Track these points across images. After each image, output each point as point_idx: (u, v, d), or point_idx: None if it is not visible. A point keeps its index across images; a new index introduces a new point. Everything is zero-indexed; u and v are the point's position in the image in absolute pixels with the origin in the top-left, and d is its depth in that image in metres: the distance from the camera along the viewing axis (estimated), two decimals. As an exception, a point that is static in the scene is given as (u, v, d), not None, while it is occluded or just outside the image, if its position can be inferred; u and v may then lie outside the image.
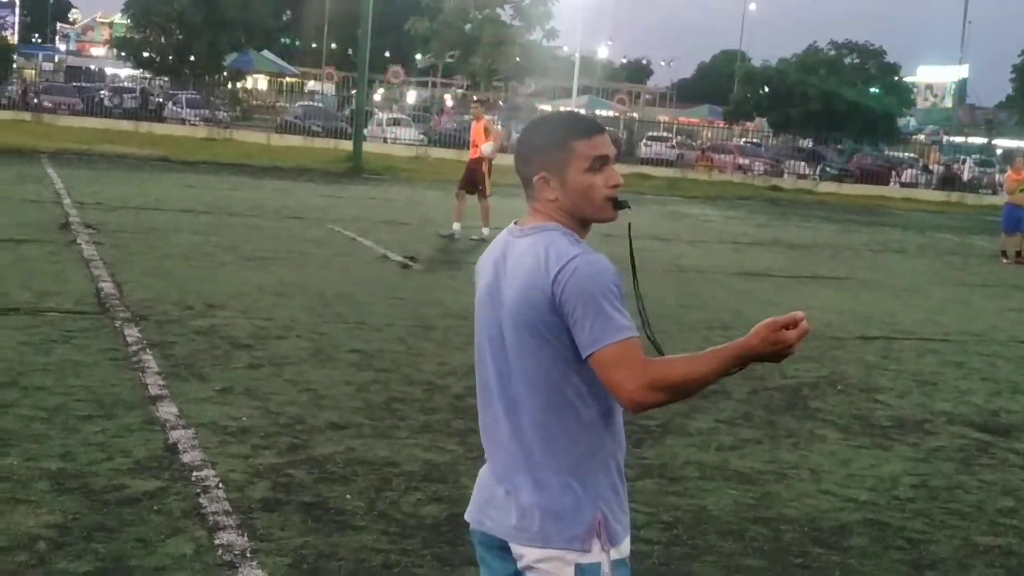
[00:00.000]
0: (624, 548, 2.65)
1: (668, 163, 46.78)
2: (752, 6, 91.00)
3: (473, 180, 17.06)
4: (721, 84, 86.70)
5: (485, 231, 16.62)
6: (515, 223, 2.75)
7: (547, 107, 64.44)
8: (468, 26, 61.60)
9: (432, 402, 7.41)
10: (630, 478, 6.02)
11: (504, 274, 2.65)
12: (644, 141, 51.01)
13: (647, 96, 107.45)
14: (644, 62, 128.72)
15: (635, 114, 73.49)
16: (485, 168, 16.94)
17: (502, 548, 2.67)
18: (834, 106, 53.96)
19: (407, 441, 6.49)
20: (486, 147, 16.89)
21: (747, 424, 7.56)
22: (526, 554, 2.59)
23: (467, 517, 2.77)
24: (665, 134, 55.21)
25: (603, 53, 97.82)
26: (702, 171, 45.29)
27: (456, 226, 16.89)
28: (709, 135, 57.49)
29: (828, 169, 47.71)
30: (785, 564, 5.18)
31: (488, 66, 63.18)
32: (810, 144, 53.70)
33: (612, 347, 2.48)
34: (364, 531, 5.08)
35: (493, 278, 2.68)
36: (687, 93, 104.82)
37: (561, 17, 61.26)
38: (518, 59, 62.47)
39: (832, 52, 59.13)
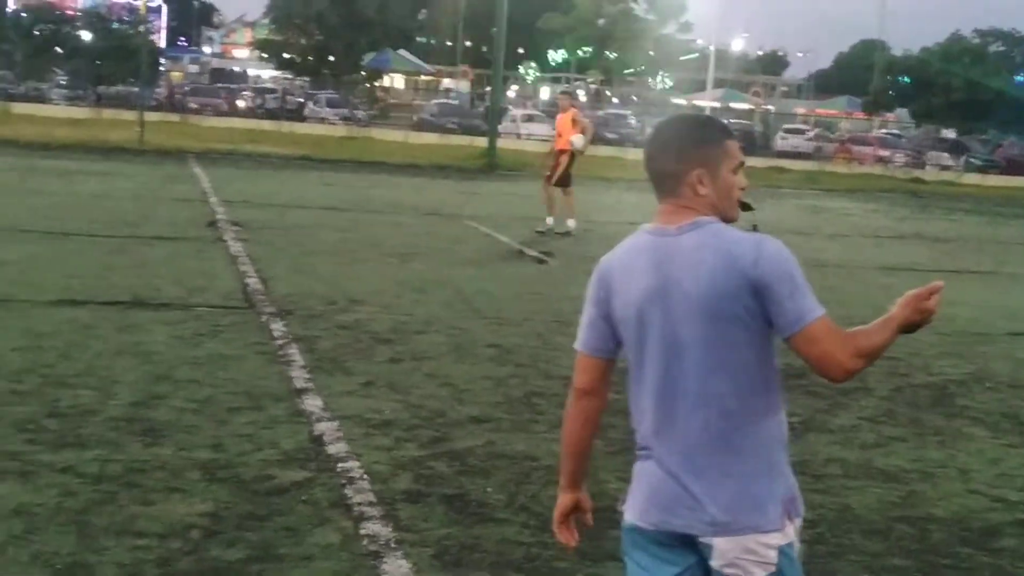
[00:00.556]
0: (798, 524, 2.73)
1: (805, 156, 46.04)
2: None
3: (562, 172, 16.76)
4: (860, 75, 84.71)
5: (571, 223, 16.43)
6: (655, 224, 2.77)
7: (681, 101, 63.95)
8: (602, 21, 61.52)
9: (570, 397, 7.42)
10: (771, 475, 5.97)
11: (675, 274, 2.67)
12: (780, 134, 50.26)
13: (783, 88, 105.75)
14: (780, 53, 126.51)
15: (771, 107, 72.30)
16: (566, 159, 16.64)
17: (684, 545, 2.68)
18: (978, 95, 52.36)
19: (546, 436, 6.52)
20: (576, 139, 16.60)
21: (891, 421, 7.40)
22: (726, 547, 2.61)
23: (640, 519, 2.73)
24: (802, 126, 54.31)
25: (738, 45, 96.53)
26: (841, 164, 44.46)
27: (571, 222, 16.62)
28: (848, 127, 56.31)
29: (972, 160, 46.32)
30: (933, 565, 5.06)
31: (621, 60, 62.96)
32: (953, 135, 52.21)
33: (819, 321, 2.61)
34: (505, 524, 5.13)
35: (658, 281, 2.69)
36: (824, 84, 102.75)
37: (696, 10, 60.74)
38: (652, 53, 62.10)
39: (976, 40, 57.36)
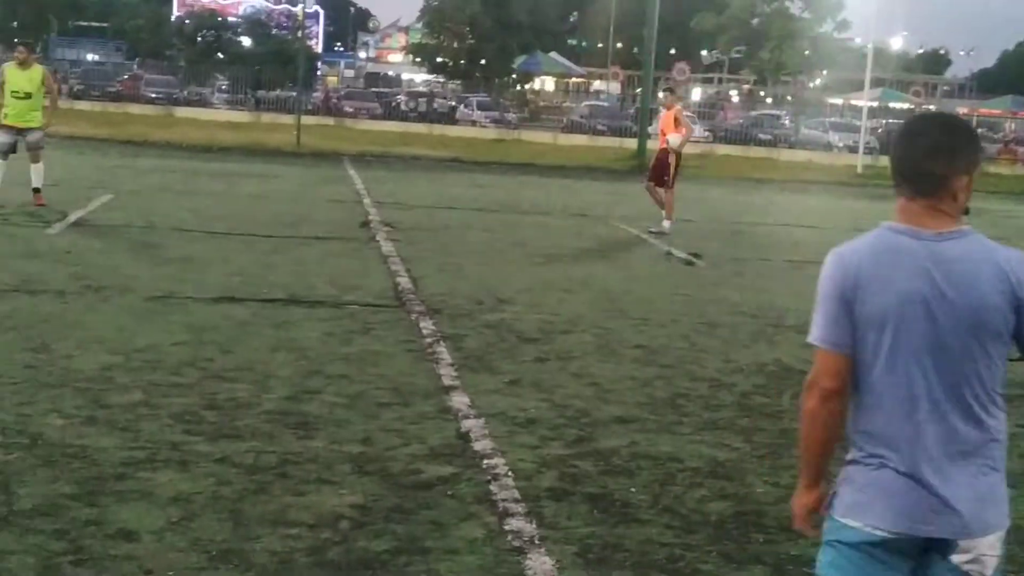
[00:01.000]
0: None
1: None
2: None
3: (661, 171, 16.47)
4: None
5: (667, 224, 16.13)
6: (905, 224, 2.74)
7: (837, 101, 62.64)
8: (756, 20, 60.64)
9: (717, 399, 7.37)
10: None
11: (940, 281, 2.68)
12: (941, 134, 48.71)
13: (945, 87, 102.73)
14: (942, 52, 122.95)
15: (932, 106, 70.32)
16: (672, 159, 16.35)
17: (914, 551, 2.73)
18: None
19: (691, 437, 6.48)
20: (673, 138, 16.27)
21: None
22: (973, 545, 2.70)
23: (890, 526, 2.71)
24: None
25: (897, 44, 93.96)
26: (1004, 164, 42.92)
27: (666, 223, 16.25)
28: (1012, 127, 54.37)
29: None
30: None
31: (776, 60, 62.03)
32: None
33: None
34: (649, 524, 5.12)
35: (921, 285, 2.68)
36: (988, 83, 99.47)
37: (853, 8, 59.31)
38: (807, 52, 60.98)
39: None
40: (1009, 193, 31.96)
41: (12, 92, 14.40)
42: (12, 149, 14.58)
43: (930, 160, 2.71)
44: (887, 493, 2.71)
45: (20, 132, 14.49)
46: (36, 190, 14.55)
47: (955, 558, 2.68)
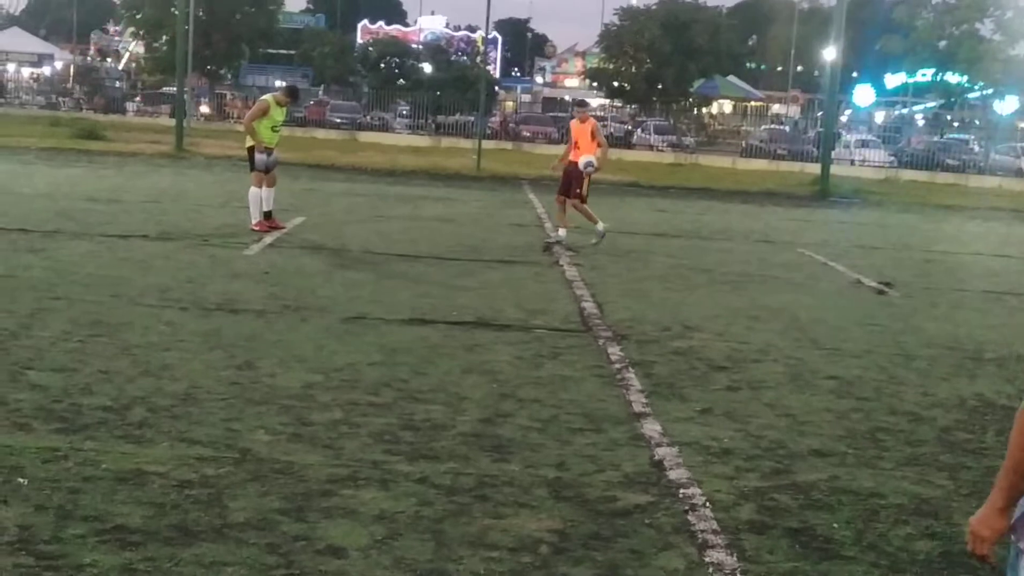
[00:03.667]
0: None
1: None
2: None
3: (572, 183, 15.73)
4: None
5: (562, 232, 15.65)
6: None
7: (1030, 125, 60.24)
8: (943, 43, 58.81)
9: (917, 434, 7.13)
10: None
11: None
12: None
13: None
14: None
15: None
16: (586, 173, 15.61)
17: None
18: None
19: (893, 473, 6.29)
20: (586, 160, 15.54)
21: None
22: None
23: None
24: None
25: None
26: None
27: (562, 231, 15.74)
28: None
29: None
30: None
31: (964, 83, 60.07)
32: None
33: None
34: (853, 561, 4.98)
35: None
36: None
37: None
38: (998, 75, 58.85)
39: None
40: None
41: (274, 127, 15.21)
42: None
43: None
44: None
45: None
46: (269, 214, 15.18)
47: None
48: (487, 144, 38.48)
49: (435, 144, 44.77)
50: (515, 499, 5.47)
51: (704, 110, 73.42)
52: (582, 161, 15.58)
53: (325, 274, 12.03)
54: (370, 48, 72.50)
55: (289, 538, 4.80)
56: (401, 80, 66.27)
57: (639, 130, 54.67)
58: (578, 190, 15.71)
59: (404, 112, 57.19)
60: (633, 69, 65.61)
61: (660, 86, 64.97)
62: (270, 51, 77.88)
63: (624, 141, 50.61)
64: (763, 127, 54.93)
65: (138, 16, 63.11)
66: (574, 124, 16.09)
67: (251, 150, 15.07)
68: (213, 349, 8.18)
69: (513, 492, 5.57)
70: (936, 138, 52.14)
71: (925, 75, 63.00)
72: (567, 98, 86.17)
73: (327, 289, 11.06)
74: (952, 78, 60.37)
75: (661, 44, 62.04)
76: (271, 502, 5.20)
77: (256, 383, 7.31)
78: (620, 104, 71.26)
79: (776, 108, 78.98)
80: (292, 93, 15.82)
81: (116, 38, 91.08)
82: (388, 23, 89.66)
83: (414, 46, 74.64)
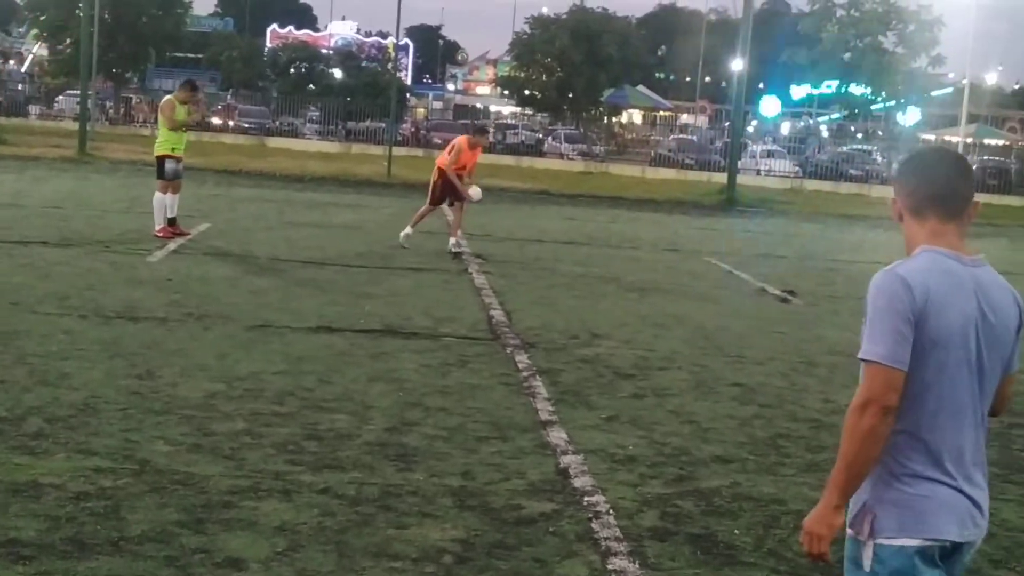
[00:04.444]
0: None
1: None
2: None
3: (451, 192, 15.63)
4: None
5: (454, 240, 15.51)
6: (948, 248, 2.92)
7: (930, 137, 61.74)
8: (847, 55, 59.97)
9: (818, 440, 7.24)
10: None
11: (984, 306, 2.89)
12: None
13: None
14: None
15: (1028, 143, 68.86)
16: (445, 180, 15.46)
17: (953, 553, 2.91)
18: None
19: (794, 479, 6.38)
20: (476, 194, 15.66)
21: None
22: (978, 543, 2.98)
23: (945, 535, 2.86)
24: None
25: (992, 79, 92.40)
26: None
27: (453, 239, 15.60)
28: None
29: None
30: None
31: (867, 95, 61.34)
32: None
33: None
34: (754, 568, 5.04)
35: (976, 309, 2.88)
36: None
37: (948, 43, 58.51)
38: (900, 87, 60.18)
39: None
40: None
41: (181, 124, 15.06)
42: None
43: (960, 182, 2.97)
44: (943, 506, 2.85)
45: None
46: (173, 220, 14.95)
47: (966, 556, 2.93)
48: (398, 151, 38.34)
49: (345, 150, 44.51)
50: (419, 509, 5.45)
51: (614, 119, 73.95)
52: (474, 194, 15.61)
53: (230, 281, 11.88)
54: (279, 53, 71.81)
55: (188, 551, 4.72)
56: (311, 85, 65.73)
57: (550, 138, 54.88)
58: (457, 199, 15.75)
59: (314, 118, 56.73)
60: (544, 77, 65.83)
61: (571, 95, 65.29)
62: (177, 54, 76.82)
63: (535, 149, 50.79)
64: (672, 137, 55.44)
65: (42, 18, 61.73)
66: (467, 147, 15.79)
67: (161, 158, 14.84)
68: (113, 358, 8.02)
69: (417, 502, 5.54)
70: (843, 149, 53.12)
71: (830, 87, 64.06)
72: (479, 105, 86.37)
73: (232, 297, 10.92)
74: (856, 90, 61.47)
75: (572, 53, 62.37)
76: (170, 514, 5.11)
77: (156, 393, 7.18)
78: (531, 112, 71.50)
79: (684, 118, 79.81)
80: (190, 86, 15.52)
81: (19, 40, 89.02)
82: (298, 28, 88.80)
83: (324, 51, 74.11)
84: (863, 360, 2.86)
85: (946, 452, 2.86)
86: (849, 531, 2.93)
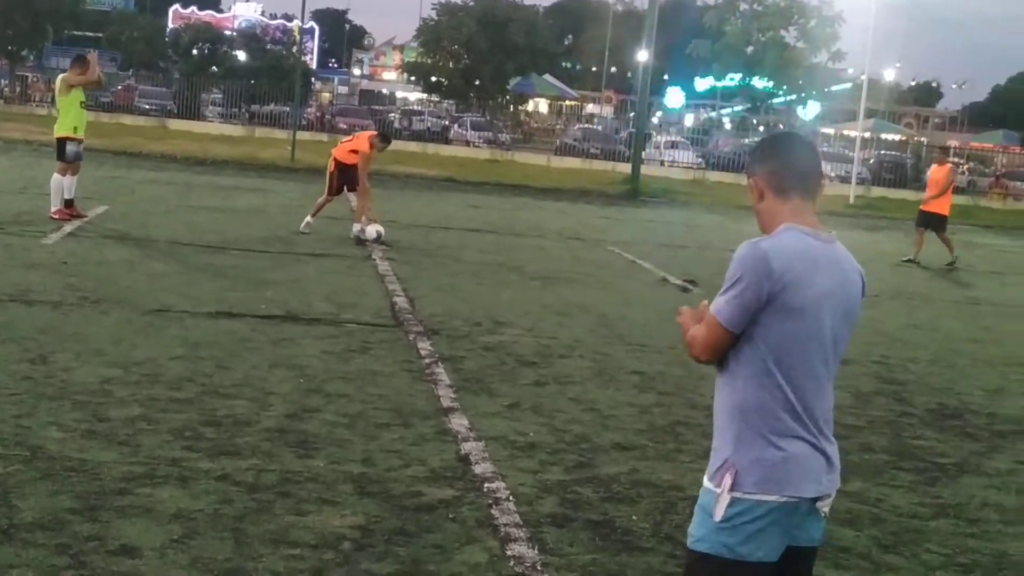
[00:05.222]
0: None
1: (959, 190, 44.76)
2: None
3: (350, 181, 15.60)
4: (1018, 108, 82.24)
5: (358, 227, 15.31)
6: (806, 226, 3.11)
7: (830, 131, 62.88)
8: (750, 48, 60.78)
9: (716, 427, 7.34)
10: (923, 517, 5.82)
11: (838, 280, 3.11)
12: (954, 168, 48.87)
13: (936, 120, 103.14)
14: (934, 84, 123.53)
15: (923, 138, 70.61)
16: (335, 169, 15.54)
17: (811, 506, 3.08)
18: None
19: (691, 466, 6.46)
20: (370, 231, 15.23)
21: (1051, 467, 7.14)
22: (833, 494, 3.15)
23: (803, 492, 3.03)
24: (955, 159, 52.88)
25: (890, 75, 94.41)
26: (995, 199, 43.14)
27: (364, 227, 15.34)
28: (1003, 161, 54.60)
29: None
30: (1097, 619, 4.86)
31: (769, 89, 62.25)
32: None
33: None
34: (651, 553, 5.11)
35: (831, 284, 3.08)
36: (980, 117, 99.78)
37: (848, 39, 59.60)
38: (801, 81, 61.17)
39: None
40: (1001, 227, 32.16)
41: (81, 102, 14.75)
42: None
43: (817, 163, 3.24)
44: (801, 465, 3.03)
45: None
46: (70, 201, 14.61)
47: (822, 504, 3.10)
48: (303, 135, 37.95)
49: (249, 134, 43.91)
50: (319, 495, 5.42)
51: (520, 107, 74.03)
52: (370, 233, 15.27)
53: (128, 265, 11.66)
54: (181, 33, 70.52)
55: (81, 538, 4.64)
56: (214, 67, 64.69)
57: (456, 125, 54.80)
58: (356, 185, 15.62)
59: (217, 100, 55.87)
60: (451, 64, 65.70)
61: (477, 82, 65.24)
62: (76, 33, 75.05)
63: (441, 136, 50.68)
64: (577, 126, 55.71)
65: (-68, -8, 59.92)
66: (370, 151, 15.61)
67: (62, 139, 14.51)
68: (4, 342, 7.82)
69: (317, 488, 5.51)
70: (745, 142, 53.84)
71: (733, 79, 64.79)
72: (385, 91, 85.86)
73: (129, 280, 10.72)
74: (758, 83, 62.29)
75: (479, 40, 62.32)
76: (62, 501, 5.01)
77: (50, 378, 7.03)
78: (437, 99, 71.24)
79: (590, 108, 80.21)
80: (79, 61, 15.11)
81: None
82: (201, 8, 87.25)
83: (228, 33, 72.97)
84: (711, 311, 3.10)
85: (803, 413, 3.04)
86: (708, 483, 3.09)
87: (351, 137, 16.38)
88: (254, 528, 4.93)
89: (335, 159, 15.67)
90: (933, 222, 19.11)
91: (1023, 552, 5.55)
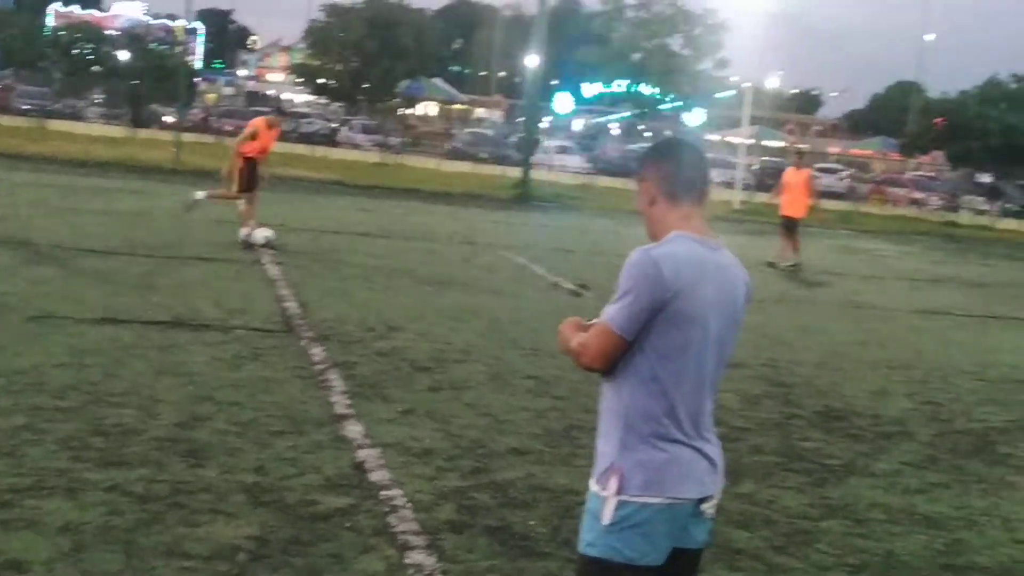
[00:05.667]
0: None
1: (838, 196, 45.92)
2: (929, 36, 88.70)
3: (251, 180, 15.24)
4: (895, 116, 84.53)
5: (244, 231, 15.00)
6: (696, 233, 3.14)
7: (715, 137, 63.97)
8: (637, 55, 61.56)
9: (610, 431, 7.39)
10: (813, 517, 5.93)
11: (725, 286, 3.14)
12: (813, 173, 50.00)
13: (817, 127, 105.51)
14: (815, 92, 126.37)
15: (805, 145, 72.19)
16: (244, 166, 15.11)
17: (696, 508, 3.10)
18: (1016, 140, 51.88)
19: (587, 470, 6.43)
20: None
21: (933, 467, 7.35)
22: (716, 496, 3.17)
23: (687, 493, 3.07)
24: (835, 166, 54.20)
25: (773, 83, 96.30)
26: (874, 204, 44.33)
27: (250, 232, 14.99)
28: (882, 168, 56.11)
29: (1008, 205, 46.02)
30: (981, 615, 5.01)
31: (656, 95, 63.12)
32: (990, 179, 51.93)
33: None
34: (549, 557, 5.12)
35: (719, 290, 3.12)
36: (859, 124, 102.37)
37: (732, 47, 60.76)
38: (686, 88, 62.16)
39: (1014, 85, 56.94)
40: (880, 232, 33.03)
41: None
42: None
43: (706, 170, 3.27)
44: (685, 468, 3.07)
45: None
46: None
47: (707, 506, 3.12)
48: (187, 137, 37.30)
49: (132, 135, 43.03)
50: (211, 506, 5.31)
51: (410, 111, 73.87)
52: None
53: (8, 270, 11.31)
54: (61, 33, 68.81)
55: (-38, 554, 4.47)
56: (96, 67, 63.27)
57: (345, 128, 54.42)
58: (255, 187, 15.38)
59: (98, 100, 54.64)
60: (339, 67, 65.24)
61: (366, 85, 64.89)
62: (-51, 30, 72.77)
63: (329, 139, 50.28)
64: (467, 130, 55.79)
65: None
66: (265, 127, 15.39)
67: None
68: None
69: (209, 499, 5.40)
70: (631, 147, 54.42)
71: (620, 86, 65.61)
72: (271, 93, 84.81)
73: (9, 286, 10.40)
74: (645, 89, 63.20)
75: (367, 43, 62.04)
76: (-58, 516, 4.83)
77: (-73, 387, 6.78)
78: (326, 101, 70.69)
79: (480, 112, 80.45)
80: None
81: None
82: (82, 7, 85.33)
83: (110, 32, 71.43)
84: (604, 319, 3.09)
85: (688, 417, 3.09)
86: (595, 487, 3.12)
87: (247, 129, 15.90)
88: (145, 540, 4.82)
89: (241, 154, 15.30)
90: (792, 224, 19.40)
91: (910, 552, 5.69)
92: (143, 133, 43.71)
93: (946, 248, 29.85)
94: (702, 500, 3.11)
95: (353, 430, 6.78)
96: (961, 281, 20.70)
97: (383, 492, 5.72)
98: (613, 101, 72.90)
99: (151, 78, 54.71)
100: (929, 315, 15.07)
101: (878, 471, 7.12)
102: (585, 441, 7.09)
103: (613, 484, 3.04)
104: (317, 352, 8.84)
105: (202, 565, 4.63)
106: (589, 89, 69.72)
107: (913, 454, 7.60)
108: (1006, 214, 44.30)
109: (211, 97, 71.83)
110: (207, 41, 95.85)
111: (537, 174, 37.59)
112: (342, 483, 5.82)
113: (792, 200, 19.55)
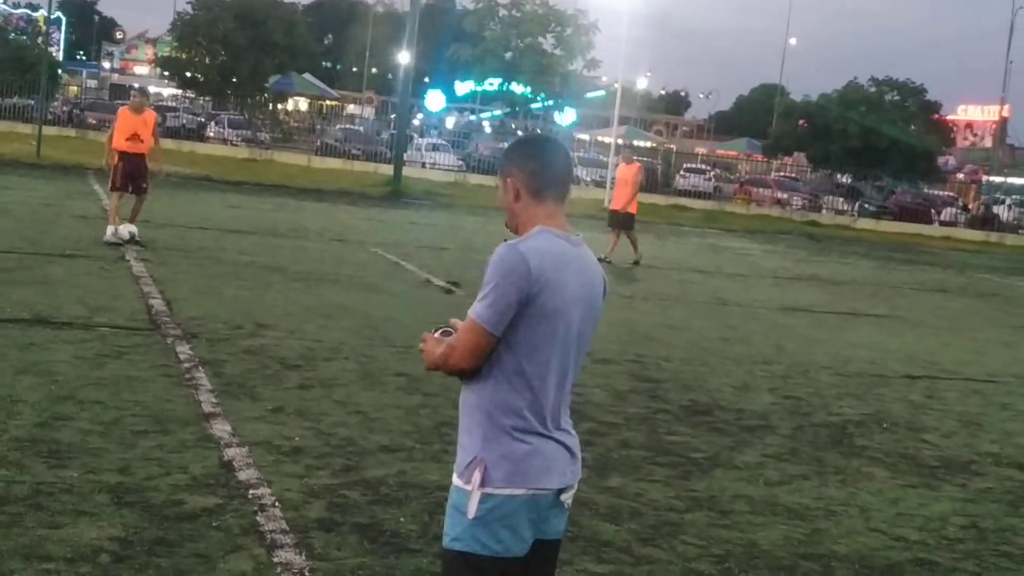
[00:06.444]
0: None
1: (705, 195, 46.82)
2: (792, 40, 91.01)
3: (140, 177, 15.06)
4: (760, 117, 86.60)
5: (111, 229, 14.48)
6: (559, 230, 3.18)
7: (585, 136, 64.65)
8: (509, 54, 61.82)
9: (480, 428, 7.43)
10: (679, 510, 6.06)
11: (586, 282, 3.20)
12: (681, 173, 50.98)
13: (685, 128, 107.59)
14: (682, 94, 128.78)
15: (673, 145, 73.47)
16: (120, 162, 14.82)
17: (555, 498, 3.16)
18: (874, 143, 53.50)
19: (457, 466, 6.52)
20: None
21: (794, 459, 7.56)
22: (575, 486, 3.23)
23: (550, 484, 3.12)
24: (702, 166, 55.23)
25: (642, 84, 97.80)
26: (740, 204, 45.29)
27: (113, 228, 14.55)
28: (747, 168, 57.37)
29: (866, 206, 47.50)
30: (837, 601, 5.18)
31: (527, 94, 63.45)
32: (849, 180, 53.49)
33: None
34: (419, 554, 5.13)
35: (581, 286, 3.17)
36: (725, 126, 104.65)
37: (602, 48, 61.51)
38: (558, 88, 62.63)
39: (872, 89, 58.75)
40: (744, 231, 33.77)
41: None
42: None
43: (570, 168, 3.36)
44: (547, 457, 3.12)
45: None
46: None
47: (566, 496, 3.18)
48: (49, 130, 36.23)
49: (-11, 128, 41.66)
50: (74, 507, 5.20)
51: (279, 106, 72.95)
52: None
53: None
54: (-86, 19, 66.22)
55: None
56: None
57: (213, 123, 53.48)
58: (144, 185, 15.05)
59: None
60: (207, 60, 64.06)
61: (235, 79, 63.85)
62: None
63: (197, 134, 49.33)
64: (338, 127, 55.29)
65: None
66: (129, 112, 15.06)
67: None
68: None
69: (71, 500, 5.29)
70: (502, 145, 54.62)
71: (492, 84, 65.74)
72: (136, 85, 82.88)
73: None
74: (517, 88, 63.44)
75: (236, 37, 60.98)
76: None
77: None
78: (193, 95, 69.32)
79: (351, 108, 79.86)
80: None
81: None
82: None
83: (-34, 21, 68.94)
84: (472, 317, 3.10)
85: (549, 410, 3.14)
86: (457, 481, 3.13)
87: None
88: (5, 542, 4.69)
89: (116, 151, 14.88)
90: (622, 221, 19.72)
91: (772, 541, 5.85)
92: (2, 126, 42.31)
93: (808, 247, 30.67)
94: (562, 491, 3.15)
95: (220, 429, 6.70)
96: (821, 279, 21.30)
97: (251, 491, 5.66)
98: (485, 99, 73.09)
99: (10, 70, 52.97)
100: (791, 312, 15.48)
101: (741, 464, 7.30)
102: (455, 437, 7.09)
103: (476, 477, 3.06)
104: (183, 350, 8.69)
105: (64, 567, 4.53)
106: (461, 87, 69.73)
107: (775, 447, 7.82)
108: (864, 214, 45.68)
109: (73, 89, 69.89)
110: (70, 32, 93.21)
111: (409, 171, 37.51)
112: (209, 482, 5.74)
113: (620, 195, 19.85)
